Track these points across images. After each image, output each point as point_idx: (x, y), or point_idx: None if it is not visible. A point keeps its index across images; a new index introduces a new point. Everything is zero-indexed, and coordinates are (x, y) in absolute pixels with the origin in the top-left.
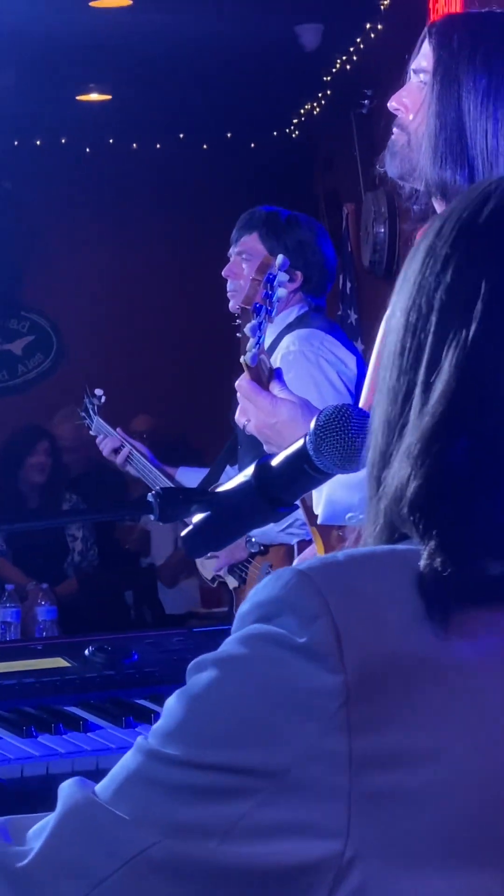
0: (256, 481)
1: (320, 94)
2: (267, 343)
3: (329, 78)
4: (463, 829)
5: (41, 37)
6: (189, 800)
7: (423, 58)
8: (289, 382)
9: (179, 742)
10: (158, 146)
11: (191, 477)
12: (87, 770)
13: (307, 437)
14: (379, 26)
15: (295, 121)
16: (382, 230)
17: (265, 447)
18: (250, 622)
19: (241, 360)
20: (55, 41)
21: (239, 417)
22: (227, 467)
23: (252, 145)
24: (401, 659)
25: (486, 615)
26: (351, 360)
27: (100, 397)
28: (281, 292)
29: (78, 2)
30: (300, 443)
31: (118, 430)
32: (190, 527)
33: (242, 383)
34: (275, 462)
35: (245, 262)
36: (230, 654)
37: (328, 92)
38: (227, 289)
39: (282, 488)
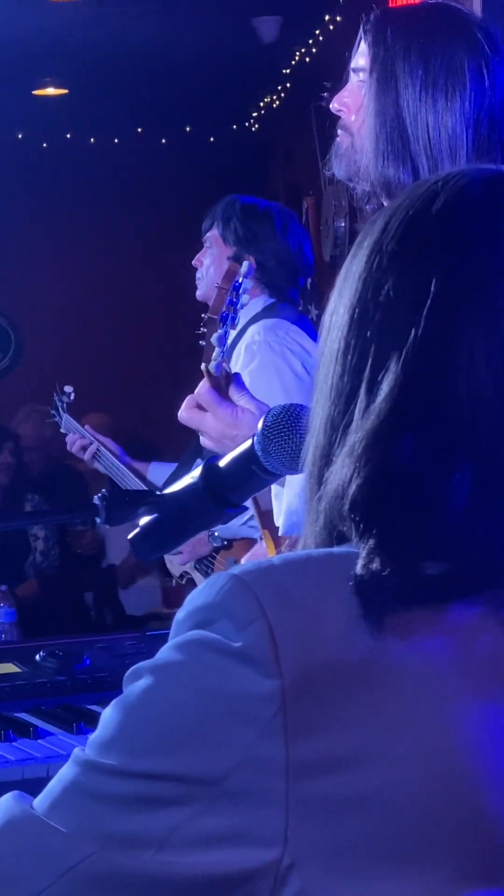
0: (204, 482)
1: (279, 87)
2: (231, 336)
3: (288, 70)
4: (403, 834)
5: None
6: (125, 809)
7: (361, 56)
8: (252, 371)
9: (115, 751)
10: (116, 140)
11: (163, 473)
12: (37, 777)
13: (255, 438)
14: (338, 18)
15: (254, 114)
16: (343, 224)
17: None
18: (187, 629)
19: (203, 367)
20: (9, 35)
21: (191, 424)
22: (199, 460)
23: (211, 139)
24: (338, 663)
25: (425, 616)
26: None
27: (69, 394)
28: (245, 299)
29: None
30: (248, 444)
31: (86, 427)
32: (137, 529)
33: (203, 392)
34: (222, 463)
35: (208, 250)
36: (166, 661)
37: (287, 85)
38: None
39: (230, 490)
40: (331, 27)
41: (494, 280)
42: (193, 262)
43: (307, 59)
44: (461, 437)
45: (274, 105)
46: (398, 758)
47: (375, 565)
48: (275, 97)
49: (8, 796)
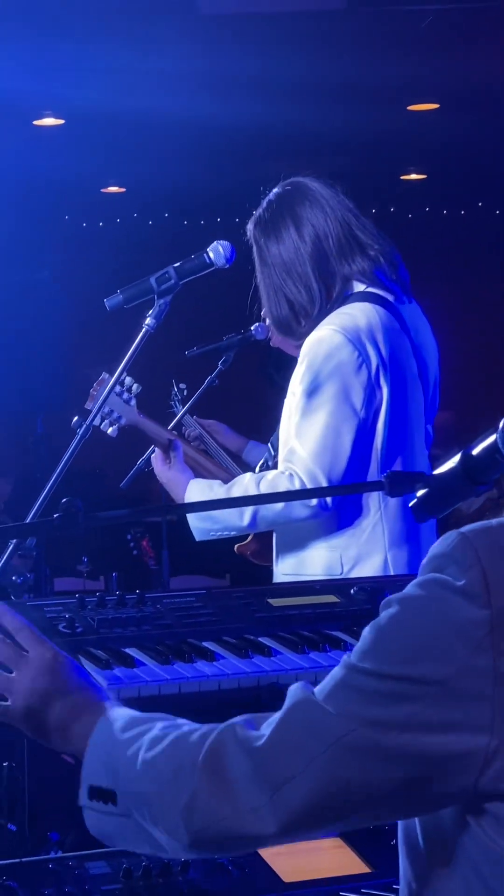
0: (462, 467)
1: None
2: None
3: None
4: None
5: (366, 132)
6: (377, 701)
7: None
8: None
9: (370, 659)
10: (463, 213)
11: (258, 453)
12: None
13: (498, 435)
14: None
15: None
16: None
17: None
18: (428, 571)
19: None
20: (376, 135)
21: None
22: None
23: None
24: None
25: None
26: None
27: (183, 390)
28: (136, 387)
29: (397, 108)
30: (493, 438)
31: (194, 417)
32: (416, 499)
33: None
34: (475, 452)
35: None
36: (409, 595)
37: None
38: None
39: (480, 472)
40: None
41: None
42: (263, 314)
43: None
44: None
45: None
46: None
47: None
48: None
49: (296, 685)
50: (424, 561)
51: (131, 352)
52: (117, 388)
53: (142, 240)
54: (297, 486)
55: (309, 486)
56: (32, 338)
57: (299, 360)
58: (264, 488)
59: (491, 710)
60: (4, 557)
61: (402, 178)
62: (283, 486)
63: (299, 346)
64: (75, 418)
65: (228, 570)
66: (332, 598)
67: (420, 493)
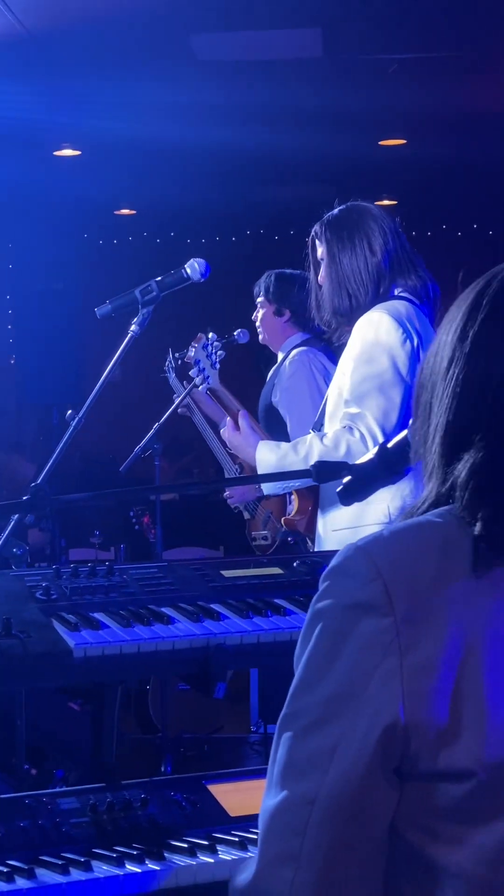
0: (378, 458)
1: None
2: (279, 358)
3: None
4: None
5: (345, 163)
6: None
7: (318, 250)
8: (290, 376)
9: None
10: (429, 234)
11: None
12: (283, 640)
13: (409, 431)
14: None
15: None
16: None
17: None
18: (327, 584)
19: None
20: (354, 166)
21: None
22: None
23: None
24: (430, 602)
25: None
26: (333, 368)
27: (177, 358)
28: (220, 353)
29: (369, 143)
30: (404, 433)
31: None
32: (341, 486)
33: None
34: (390, 445)
35: (260, 309)
36: (319, 631)
37: None
38: None
39: (394, 463)
40: None
41: None
42: (252, 318)
43: None
44: None
45: None
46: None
47: (495, 528)
48: None
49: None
50: (326, 572)
51: (118, 354)
52: (209, 349)
53: (150, 256)
54: (356, 437)
55: (367, 436)
56: (51, 340)
57: (351, 339)
58: (328, 442)
59: (401, 701)
60: (6, 532)
61: (376, 203)
62: (344, 440)
63: (279, 344)
64: (69, 412)
65: (222, 542)
66: (276, 570)
67: (345, 480)
